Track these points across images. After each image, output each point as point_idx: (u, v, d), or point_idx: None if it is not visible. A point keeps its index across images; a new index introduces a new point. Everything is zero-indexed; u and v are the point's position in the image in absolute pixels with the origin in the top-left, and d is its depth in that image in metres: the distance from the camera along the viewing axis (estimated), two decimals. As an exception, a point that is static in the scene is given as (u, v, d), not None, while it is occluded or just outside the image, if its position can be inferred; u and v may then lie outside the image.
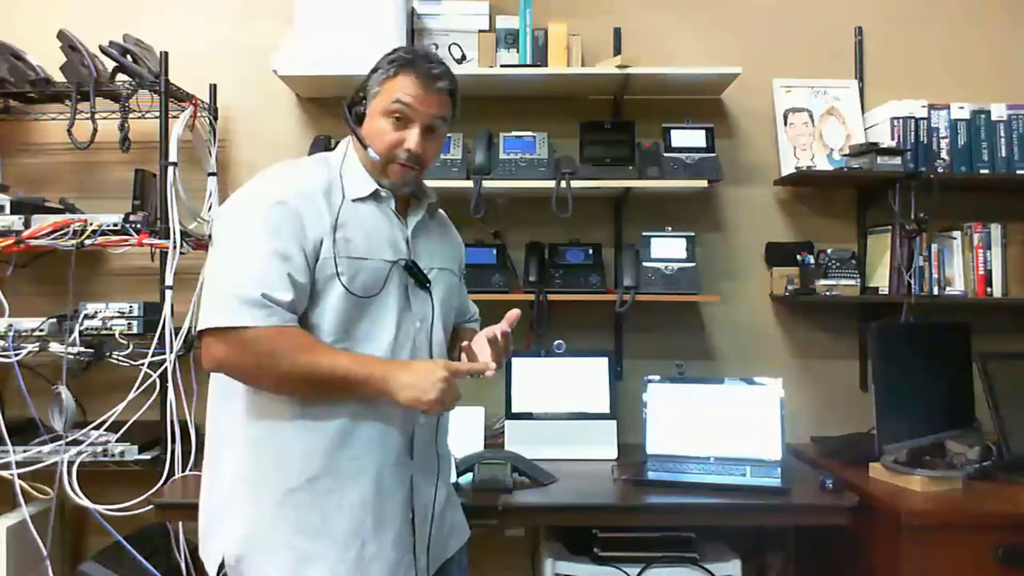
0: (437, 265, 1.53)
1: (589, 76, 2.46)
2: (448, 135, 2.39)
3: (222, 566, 1.37)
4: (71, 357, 2.22)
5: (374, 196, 1.44)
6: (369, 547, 1.37)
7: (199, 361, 1.33)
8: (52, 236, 2.21)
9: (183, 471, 2.20)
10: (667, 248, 2.46)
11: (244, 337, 1.28)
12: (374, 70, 1.44)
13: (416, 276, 1.45)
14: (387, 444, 1.40)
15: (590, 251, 2.51)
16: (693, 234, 2.47)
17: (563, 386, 2.38)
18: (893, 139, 2.45)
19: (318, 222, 1.35)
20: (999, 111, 2.48)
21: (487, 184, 2.35)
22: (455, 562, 1.58)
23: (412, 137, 1.41)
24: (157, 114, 2.30)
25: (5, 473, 2.14)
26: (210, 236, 1.46)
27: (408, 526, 1.42)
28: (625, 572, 1.98)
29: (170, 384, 2.24)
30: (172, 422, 2.23)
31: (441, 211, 1.65)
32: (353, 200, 1.41)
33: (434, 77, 1.42)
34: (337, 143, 1.55)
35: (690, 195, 2.55)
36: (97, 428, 2.23)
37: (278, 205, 1.33)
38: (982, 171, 2.47)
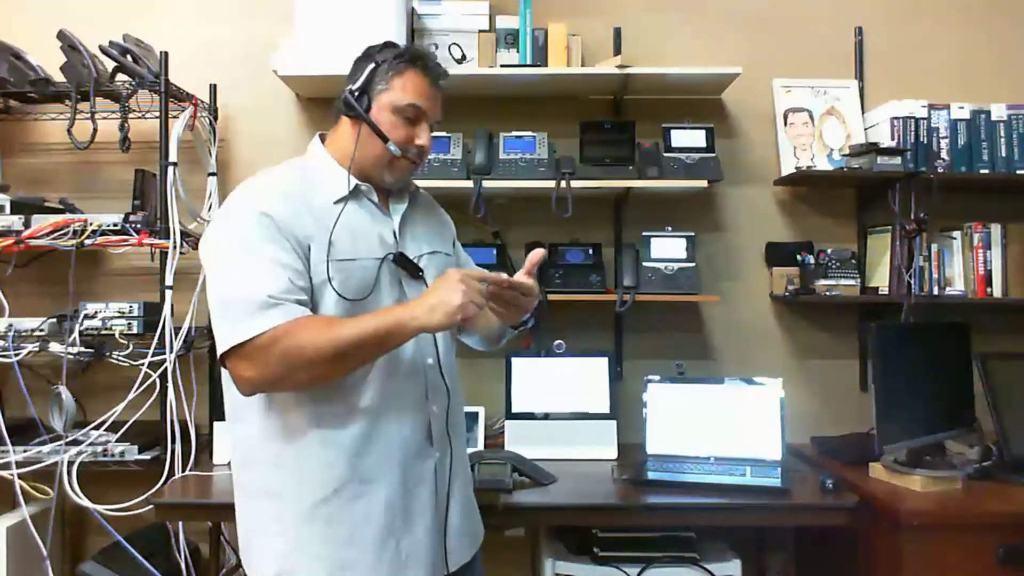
0: (427, 250, 1.51)
1: (589, 76, 2.46)
2: (448, 135, 2.43)
3: None
4: (71, 357, 2.22)
5: (354, 194, 1.43)
6: (404, 544, 1.38)
7: (237, 382, 1.32)
8: (52, 236, 2.20)
9: (183, 471, 2.20)
10: (667, 248, 2.46)
11: (263, 342, 1.26)
12: (375, 62, 1.42)
13: (407, 268, 1.43)
14: (407, 440, 1.39)
15: (590, 251, 2.51)
16: (693, 234, 2.47)
17: (563, 386, 2.38)
18: (893, 139, 2.45)
19: (303, 229, 1.34)
20: (999, 111, 2.48)
21: (487, 184, 2.35)
22: (475, 567, 1.57)
23: (424, 134, 1.44)
24: (157, 114, 2.30)
25: (5, 473, 2.14)
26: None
27: (436, 515, 1.42)
28: (625, 572, 1.98)
29: (170, 384, 2.24)
30: (172, 422, 2.23)
31: (422, 192, 1.62)
32: (334, 202, 1.40)
33: (439, 76, 1.46)
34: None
35: (690, 195, 2.55)
36: (97, 428, 2.23)
37: (263, 216, 1.31)
38: (982, 171, 2.47)
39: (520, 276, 1.43)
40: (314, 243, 1.34)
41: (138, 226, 2.23)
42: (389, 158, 1.42)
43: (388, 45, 1.46)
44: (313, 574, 1.35)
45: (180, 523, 2.27)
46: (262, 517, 1.39)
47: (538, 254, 1.43)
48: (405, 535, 1.38)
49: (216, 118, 2.54)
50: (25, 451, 2.16)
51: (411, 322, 1.29)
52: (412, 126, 1.43)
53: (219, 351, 1.30)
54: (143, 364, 2.20)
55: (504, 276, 1.38)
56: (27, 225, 2.22)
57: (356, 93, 1.42)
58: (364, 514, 1.36)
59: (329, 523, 1.35)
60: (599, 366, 2.39)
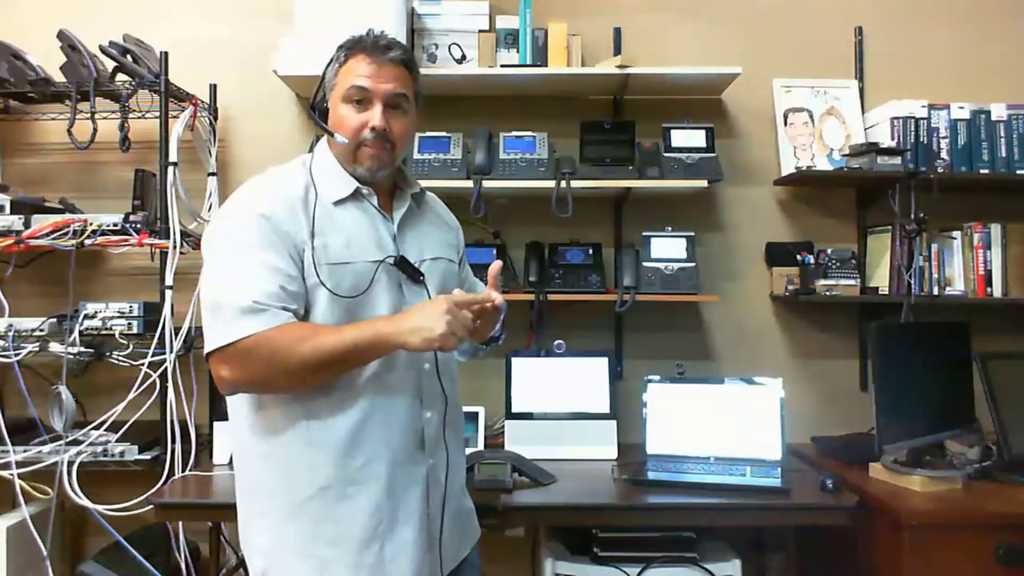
0: (429, 256, 1.50)
1: (589, 76, 2.46)
2: (448, 135, 2.43)
3: None
4: (71, 357, 2.22)
5: (354, 196, 1.43)
6: (388, 548, 1.37)
7: (217, 382, 1.33)
8: (52, 236, 2.20)
9: (183, 471, 2.20)
10: (667, 248, 2.46)
11: (245, 347, 1.27)
12: (328, 63, 1.44)
13: (407, 271, 1.43)
14: (396, 445, 1.39)
15: (590, 251, 2.51)
16: (693, 234, 2.47)
17: (563, 386, 2.38)
18: (893, 139, 2.45)
19: (299, 232, 1.35)
20: (999, 111, 2.48)
21: (487, 184, 2.35)
22: (469, 562, 1.57)
23: (375, 115, 1.39)
24: (157, 114, 2.30)
25: (5, 473, 2.14)
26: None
27: (424, 522, 1.42)
28: (625, 572, 1.98)
29: (170, 384, 2.24)
30: (172, 422, 2.23)
31: (431, 195, 1.62)
32: (334, 203, 1.40)
33: (383, 49, 1.41)
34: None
35: (690, 195, 2.55)
36: (97, 428, 2.23)
37: (261, 219, 1.32)
38: (982, 171, 2.47)
39: (491, 291, 1.42)
40: (307, 246, 1.35)
41: (138, 226, 2.23)
42: (350, 149, 1.41)
43: (342, 42, 1.45)
44: (296, 571, 1.35)
45: (180, 523, 2.27)
46: (253, 512, 1.41)
47: (496, 266, 1.43)
48: (390, 539, 1.38)
49: (216, 118, 2.53)
50: (25, 451, 2.16)
51: (391, 338, 1.30)
52: (364, 110, 1.40)
53: (204, 351, 1.32)
54: (143, 364, 2.20)
55: (491, 294, 1.38)
56: (27, 225, 2.22)
57: (319, 99, 1.45)
58: (349, 515, 1.36)
59: (314, 522, 1.35)
60: (599, 366, 2.39)
